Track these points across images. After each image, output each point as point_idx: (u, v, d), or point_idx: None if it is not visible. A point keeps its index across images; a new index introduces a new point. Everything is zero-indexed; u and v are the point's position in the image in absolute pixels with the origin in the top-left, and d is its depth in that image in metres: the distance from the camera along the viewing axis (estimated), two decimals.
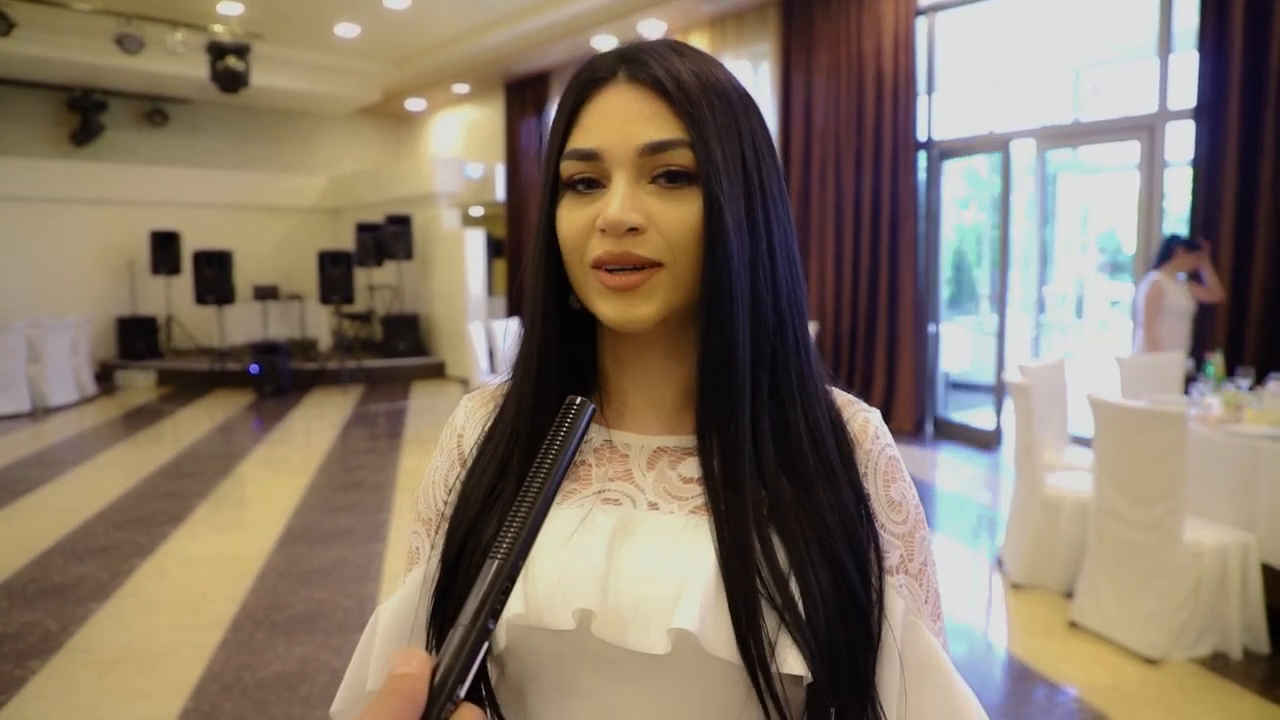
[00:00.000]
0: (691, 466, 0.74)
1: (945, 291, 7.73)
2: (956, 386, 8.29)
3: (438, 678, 0.46)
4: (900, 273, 7.28)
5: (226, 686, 3.03)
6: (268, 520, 5.07)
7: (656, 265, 0.68)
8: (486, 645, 0.48)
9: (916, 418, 7.38)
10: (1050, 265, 7.92)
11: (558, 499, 0.72)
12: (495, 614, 0.48)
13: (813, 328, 7.42)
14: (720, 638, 0.65)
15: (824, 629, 0.65)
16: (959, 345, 8.90)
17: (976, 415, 7.50)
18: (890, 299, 7.37)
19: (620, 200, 0.67)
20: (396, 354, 11.43)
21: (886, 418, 7.32)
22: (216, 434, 7.83)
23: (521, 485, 0.54)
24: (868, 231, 7.42)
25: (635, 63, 0.70)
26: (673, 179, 0.68)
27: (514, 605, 0.68)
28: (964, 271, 10.59)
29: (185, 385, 10.81)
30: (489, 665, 0.74)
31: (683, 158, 0.68)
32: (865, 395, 7.36)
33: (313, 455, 6.85)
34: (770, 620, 0.65)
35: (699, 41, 8.89)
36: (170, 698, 2.95)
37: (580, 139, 0.70)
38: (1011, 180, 6.69)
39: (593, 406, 0.55)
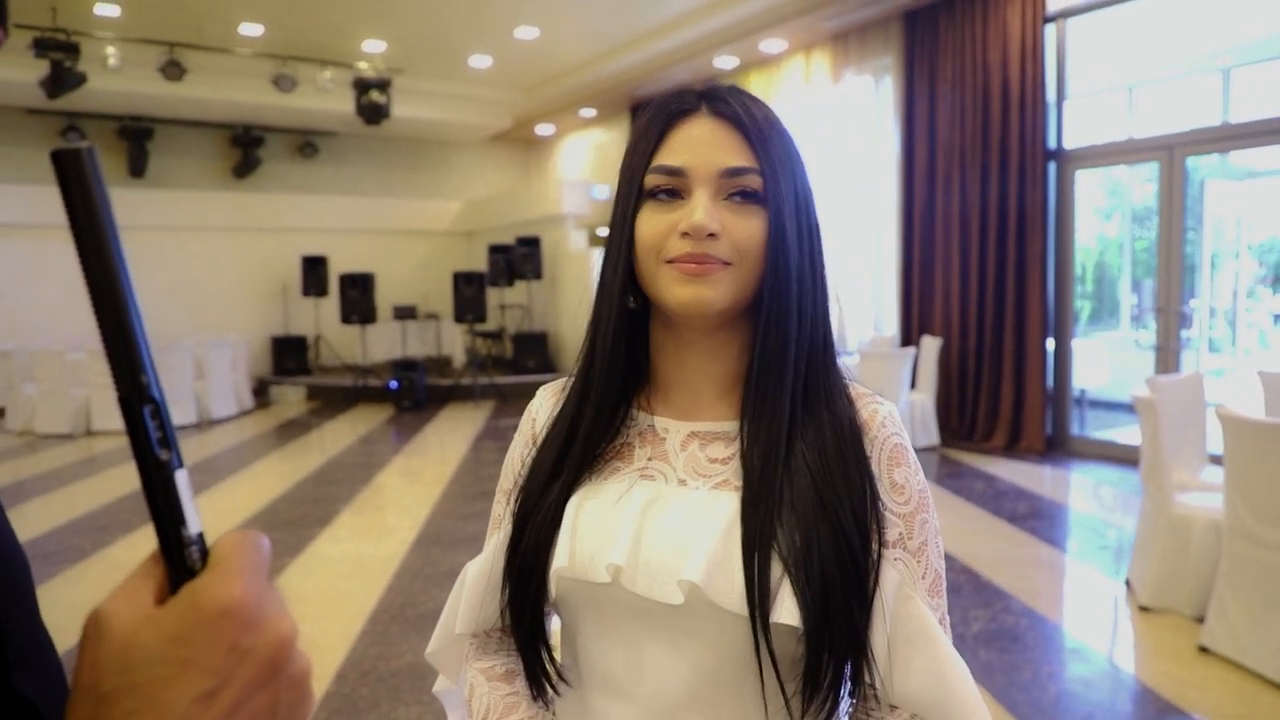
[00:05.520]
0: (718, 448, 0.87)
1: (1083, 306, 7.45)
2: (1096, 404, 7.96)
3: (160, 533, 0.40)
4: (1028, 287, 7.06)
5: (364, 674, 3.27)
6: (404, 525, 5.39)
7: (727, 264, 0.81)
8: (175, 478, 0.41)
9: (1047, 435, 7.12)
10: (1198, 277, 7.50)
11: (606, 475, 0.86)
12: (165, 445, 0.41)
13: (936, 343, 7.29)
14: (725, 589, 0.77)
15: (819, 580, 0.75)
16: (1099, 361, 8.53)
17: (1125, 433, 7.18)
18: (1018, 314, 7.15)
19: (704, 210, 0.80)
20: (526, 370, 11.83)
21: (1015, 436, 7.15)
22: (359, 445, 8.34)
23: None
24: (994, 245, 7.24)
25: (717, 99, 0.85)
26: (744, 197, 0.82)
27: (560, 559, 0.83)
28: (1105, 285, 10.13)
29: (331, 400, 11.52)
30: (547, 609, 0.88)
31: (754, 182, 0.82)
32: (992, 413, 7.22)
33: (446, 466, 7.21)
34: (775, 570, 0.76)
35: (821, 58, 8.91)
36: (314, 683, 3.21)
37: (668, 157, 0.84)
38: (1171, 187, 6.40)
39: (88, 146, 0.41)
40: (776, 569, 0.76)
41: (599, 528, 0.83)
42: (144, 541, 5.12)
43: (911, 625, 0.79)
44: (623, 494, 0.85)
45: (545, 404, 0.98)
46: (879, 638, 0.78)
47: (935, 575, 0.83)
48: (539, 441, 0.93)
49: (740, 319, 0.87)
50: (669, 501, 0.84)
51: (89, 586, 4.33)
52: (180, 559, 0.40)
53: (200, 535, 0.41)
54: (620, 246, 0.86)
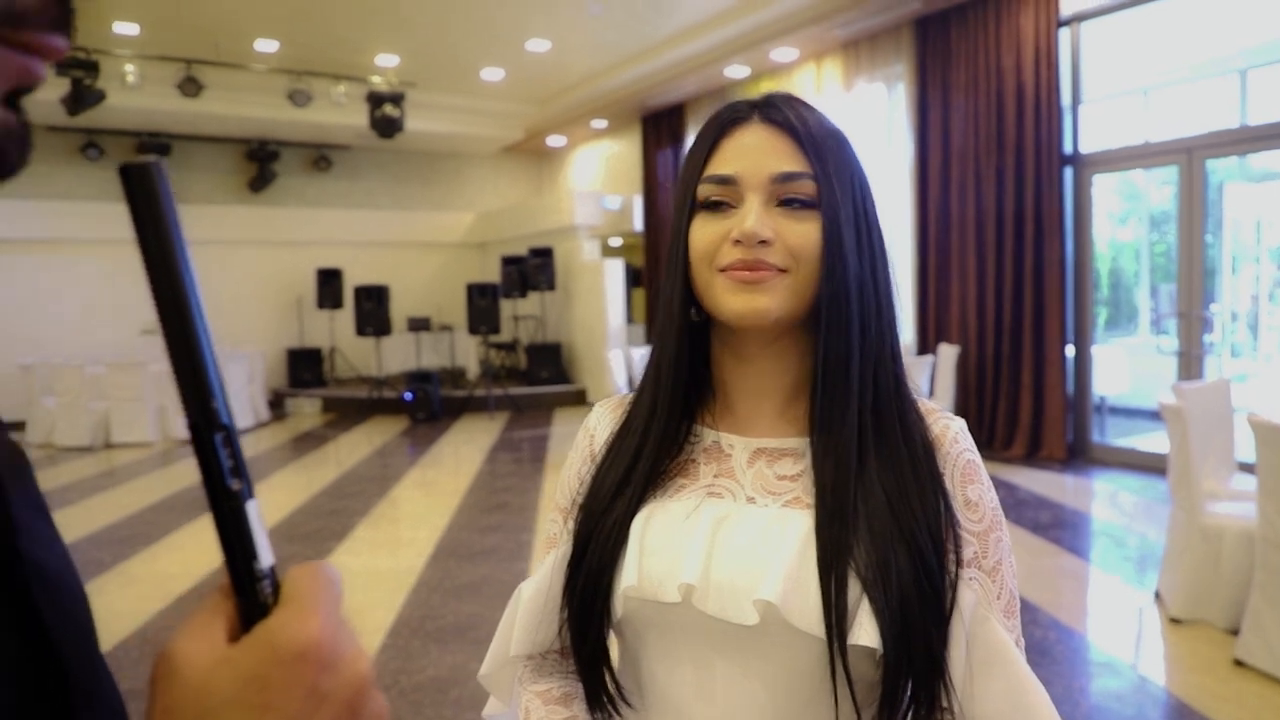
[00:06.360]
0: (788, 465, 0.84)
1: (1100, 312, 7.38)
2: (1117, 411, 7.88)
3: (230, 567, 0.39)
4: (1046, 293, 7.01)
5: (385, 689, 3.25)
6: (421, 538, 5.37)
7: (782, 271, 0.79)
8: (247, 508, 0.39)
9: (1068, 443, 7.05)
10: (1218, 281, 7.42)
11: (672, 493, 0.84)
12: (237, 474, 0.40)
13: (954, 351, 7.24)
14: (801, 610, 0.74)
15: (898, 603, 0.73)
16: (1119, 367, 8.44)
17: (1146, 440, 7.10)
18: (1036, 320, 7.10)
19: (755, 216, 0.79)
20: (540, 381, 11.82)
21: (1035, 444, 7.08)
22: (374, 457, 8.34)
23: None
24: (1010, 251, 7.19)
25: (769, 107, 0.83)
26: (797, 203, 0.80)
27: (628, 578, 0.80)
28: (1120, 290, 10.05)
29: (347, 411, 11.54)
30: (610, 634, 0.85)
31: (807, 187, 0.80)
32: (1011, 421, 7.16)
33: (462, 478, 7.19)
34: (853, 591, 0.73)
35: (832, 67, 8.89)
36: None
37: (719, 166, 0.82)
38: (1190, 191, 6.34)
39: (156, 160, 0.38)
40: (854, 589, 0.74)
41: (668, 546, 0.81)
42: (164, 554, 5.12)
43: (989, 647, 0.77)
44: (690, 512, 0.83)
45: (604, 420, 0.96)
46: (956, 660, 0.76)
47: (1010, 596, 0.81)
48: (599, 458, 0.91)
49: (801, 329, 0.84)
50: (739, 520, 0.82)
51: (109, 599, 4.33)
52: (252, 594, 0.38)
53: (272, 569, 0.39)
54: (677, 259, 0.84)
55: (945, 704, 0.75)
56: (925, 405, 0.86)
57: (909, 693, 0.74)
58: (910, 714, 0.75)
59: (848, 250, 0.80)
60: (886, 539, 0.75)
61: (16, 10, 0.37)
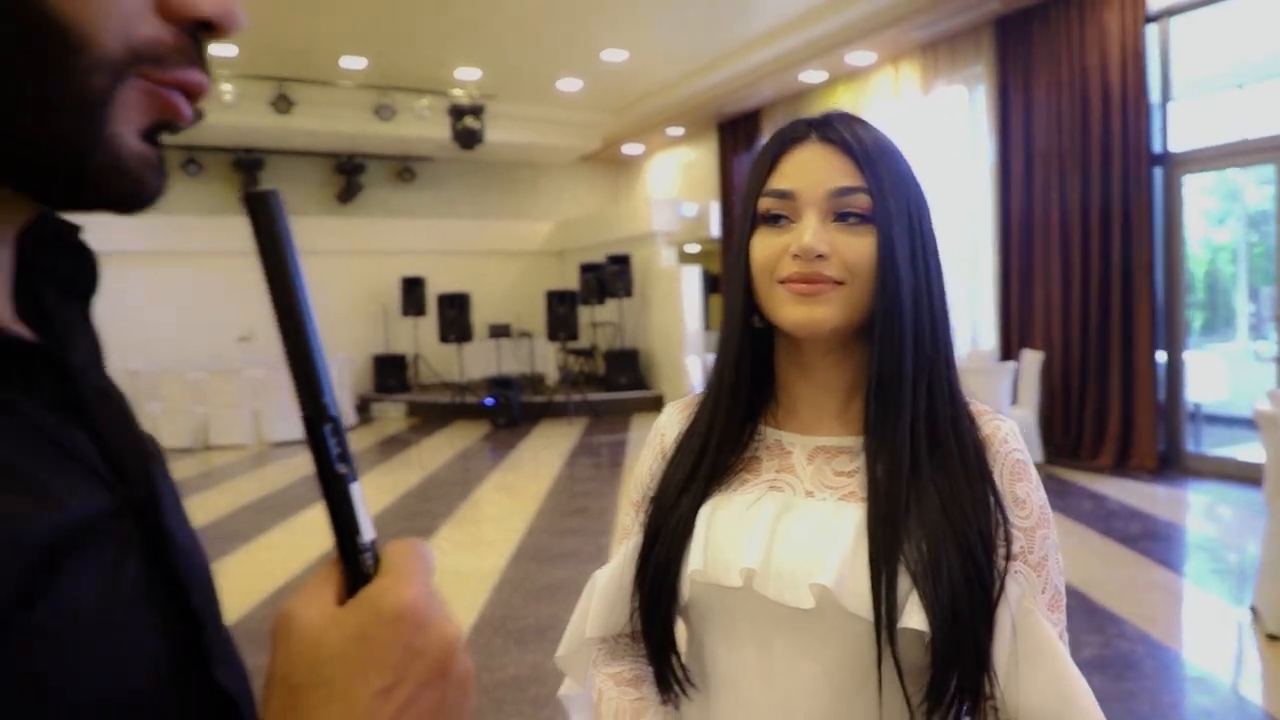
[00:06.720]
0: (844, 462, 0.90)
1: (1195, 316, 7.11)
2: (1214, 419, 7.58)
3: (338, 540, 0.44)
4: (1135, 297, 6.79)
5: None
6: (502, 540, 5.50)
7: (839, 283, 0.84)
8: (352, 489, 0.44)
9: (1160, 452, 6.81)
10: None
11: (735, 487, 0.90)
12: (343, 460, 0.45)
13: (1038, 357, 7.07)
14: (855, 594, 0.80)
15: (948, 598, 0.77)
16: (1215, 373, 8.12)
17: (1246, 450, 6.82)
18: (1124, 326, 6.88)
19: (813, 232, 0.84)
20: (618, 387, 11.93)
21: (1124, 453, 6.86)
22: (457, 461, 8.55)
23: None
24: (1097, 255, 6.99)
25: (826, 126, 0.88)
26: (853, 218, 0.85)
27: (695, 563, 0.87)
28: (1218, 293, 9.65)
29: (430, 416, 11.84)
30: (678, 618, 0.91)
31: (862, 202, 0.85)
32: (1099, 429, 6.96)
33: (541, 482, 7.33)
34: (903, 584, 0.78)
35: (910, 70, 8.79)
36: None
37: (778, 182, 0.88)
38: None
39: (274, 189, 0.44)
40: (904, 583, 0.79)
41: (731, 534, 0.87)
42: (262, 553, 5.37)
43: (1034, 639, 0.80)
44: (752, 504, 0.89)
45: (674, 419, 1.03)
46: (1000, 651, 0.79)
47: (1055, 591, 0.84)
48: (669, 455, 0.98)
49: (859, 337, 0.89)
50: (799, 511, 0.87)
51: None
52: (356, 564, 0.43)
53: (373, 543, 0.44)
54: (740, 270, 0.90)
55: (989, 694, 0.79)
56: (977, 407, 0.91)
57: (956, 681, 0.78)
58: (956, 703, 0.79)
59: (901, 264, 0.84)
60: (938, 538, 0.79)
61: (156, 52, 0.42)
